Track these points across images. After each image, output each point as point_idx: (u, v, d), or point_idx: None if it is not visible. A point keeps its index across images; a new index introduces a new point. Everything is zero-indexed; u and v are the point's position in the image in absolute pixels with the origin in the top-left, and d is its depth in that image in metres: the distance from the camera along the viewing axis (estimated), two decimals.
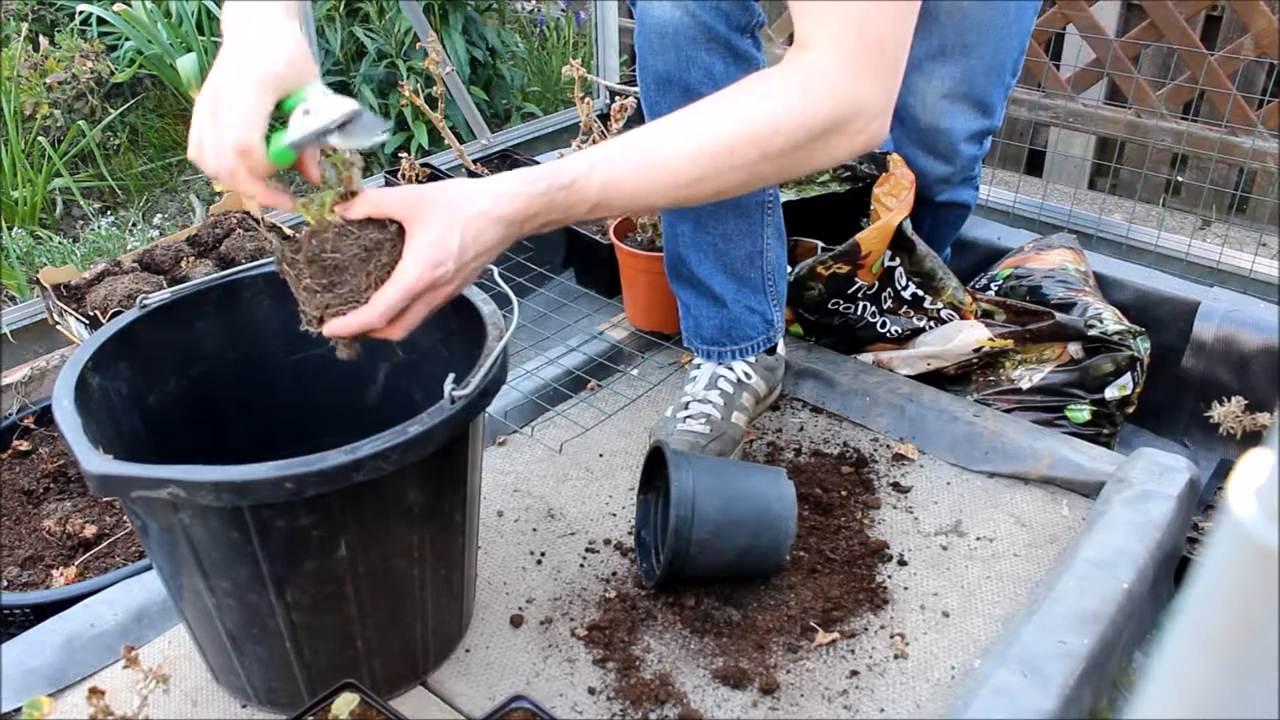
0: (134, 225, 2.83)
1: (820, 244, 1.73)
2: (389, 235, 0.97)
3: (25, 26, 3.33)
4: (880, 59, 0.99)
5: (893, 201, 1.68)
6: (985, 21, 1.60)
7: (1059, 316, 1.63)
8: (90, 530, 1.42)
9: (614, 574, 1.34)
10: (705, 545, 1.22)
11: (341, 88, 3.30)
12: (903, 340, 1.72)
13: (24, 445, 1.58)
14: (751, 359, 1.55)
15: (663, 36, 1.32)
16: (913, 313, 1.71)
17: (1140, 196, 2.72)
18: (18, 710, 1.09)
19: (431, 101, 2.01)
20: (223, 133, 0.91)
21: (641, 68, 1.37)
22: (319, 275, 0.96)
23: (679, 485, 1.23)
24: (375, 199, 0.97)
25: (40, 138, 2.93)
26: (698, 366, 1.57)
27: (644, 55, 1.35)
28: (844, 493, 1.46)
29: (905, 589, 1.31)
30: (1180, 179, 2.82)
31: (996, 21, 1.60)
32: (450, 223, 0.95)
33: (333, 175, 0.98)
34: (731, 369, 1.54)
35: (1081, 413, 1.62)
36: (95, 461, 0.93)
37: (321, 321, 0.98)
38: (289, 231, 1.90)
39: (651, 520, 1.36)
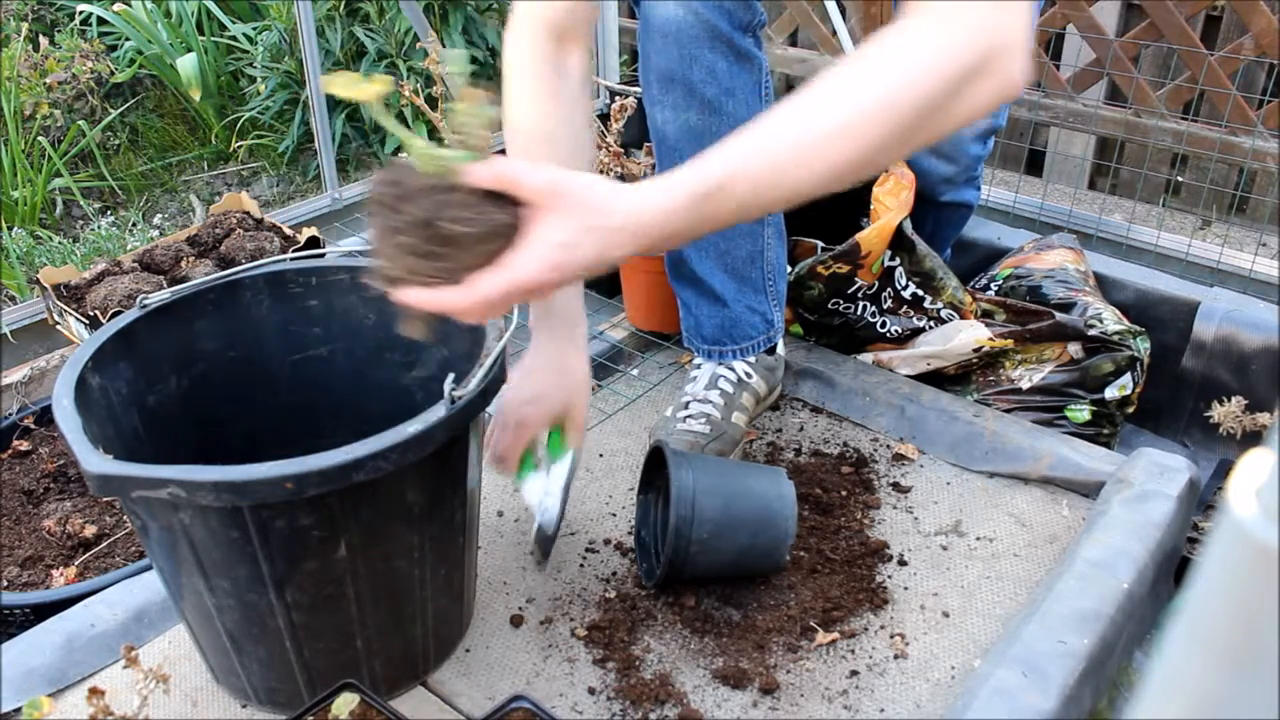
0: (134, 225, 2.83)
1: (820, 244, 1.73)
2: (512, 220, 0.85)
3: (25, 26, 3.33)
4: None
5: (893, 201, 1.68)
6: None
7: (1059, 316, 1.63)
8: (90, 530, 1.42)
9: (614, 574, 1.34)
10: (705, 545, 1.22)
11: None
12: (903, 340, 1.72)
13: (24, 445, 1.58)
14: (752, 359, 1.55)
15: (666, 34, 1.32)
16: (913, 312, 1.71)
17: (1140, 196, 2.72)
18: (18, 710, 1.09)
19: (431, 101, 2.01)
20: (497, 443, 1.20)
21: (644, 65, 1.37)
22: (425, 240, 0.84)
23: (679, 485, 1.22)
24: (510, 174, 0.85)
25: (40, 138, 2.94)
26: (698, 366, 1.57)
27: (647, 53, 1.36)
28: (844, 493, 1.46)
29: (905, 589, 1.31)
30: (1180, 179, 2.82)
31: None
32: (588, 228, 0.85)
33: (470, 130, 0.85)
34: (732, 369, 1.54)
35: (1081, 413, 1.62)
36: (95, 461, 0.93)
37: (396, 283, 0.87)
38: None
39: (651, 520, 1.36)
